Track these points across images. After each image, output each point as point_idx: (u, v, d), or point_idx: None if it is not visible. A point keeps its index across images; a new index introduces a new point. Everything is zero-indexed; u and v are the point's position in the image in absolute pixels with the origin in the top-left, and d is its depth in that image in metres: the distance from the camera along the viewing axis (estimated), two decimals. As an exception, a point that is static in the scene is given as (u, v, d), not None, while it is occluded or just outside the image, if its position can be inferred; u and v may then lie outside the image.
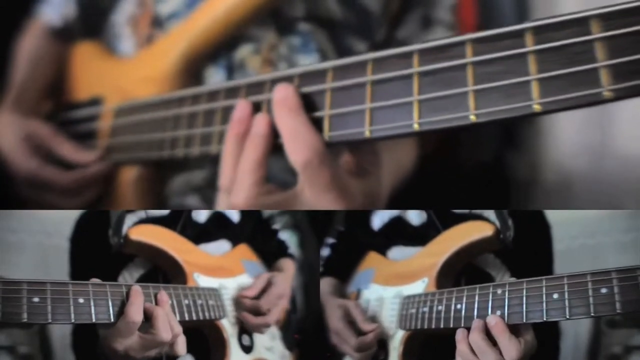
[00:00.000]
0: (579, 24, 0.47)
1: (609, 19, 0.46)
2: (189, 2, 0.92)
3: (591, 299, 0.59)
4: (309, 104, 0.61)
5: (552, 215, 0.88)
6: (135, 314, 0.66)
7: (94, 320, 0.65)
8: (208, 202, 0.90)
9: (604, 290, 0.59)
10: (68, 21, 1.10)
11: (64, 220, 0.89)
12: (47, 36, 1.12)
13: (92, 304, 0.65)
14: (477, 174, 1.22)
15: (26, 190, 0.97)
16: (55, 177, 0.95)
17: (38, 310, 0.61)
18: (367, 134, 0.57)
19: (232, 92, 0.71)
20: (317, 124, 0.61)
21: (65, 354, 1.08)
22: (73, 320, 0.63)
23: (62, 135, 0.99)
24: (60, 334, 1.07)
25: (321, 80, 0.61)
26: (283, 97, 0.61)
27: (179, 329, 0.71)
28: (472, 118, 0.51)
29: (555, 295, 0.62)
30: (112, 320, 0.66)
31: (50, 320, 0.61)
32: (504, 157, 1.26)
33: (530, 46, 0.50)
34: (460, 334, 0.68)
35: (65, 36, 1.10)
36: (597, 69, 0.46)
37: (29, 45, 1.12)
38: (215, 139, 0.73)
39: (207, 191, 0.91)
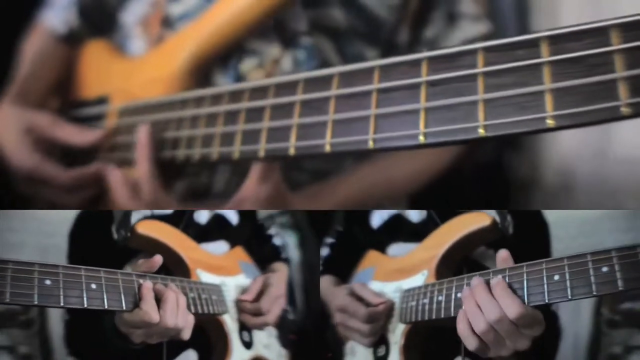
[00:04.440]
0: (598, 34, 0.45)
1: (630, 29, 0.44)
2: (201, 3, 0.92)
3: (592, 278, 0.58)
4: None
5: (552, 215, 0.88)
6: (152, 311, 0.66)
7: (106, 307, 0.64)
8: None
9: (605, 269, 0.57)
10: (72, 27, 1.09)
11: (64, 220, 0.89)
12: (52, 39, 1.12)
13: (104, 290, 0.64)
14: (477, 174, 1.22)
15: (25, 185, 0.97)
16: (55, 173, 0.94)
17: (49, 292, 0.60)
18: (370, 142, 0.56)
19: (236, 96, 0.71)
20: (319, 129, 0.59)
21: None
22: (86, 305, 0.62)
23: (62, 120, 0.98)
24: (60, 333, 1.07)
25: (326, 86, 0.60)
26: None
27: (189, 316, 0.71)
28: (481, 131, 0.49)
29: (556, 277, 0.60)
30: (125, 308, 0.66)
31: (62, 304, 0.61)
32: (504, 157, 1.26)
33: (545, 56, 0.47)
34: (467, 291, 0.66)
35: (70, 41, 1.10)
36: (615, 81, 0.43)
37: (34, 46, 1.11)
38: (217, 142, 0.72)
39: (209, 197, 0.91)
